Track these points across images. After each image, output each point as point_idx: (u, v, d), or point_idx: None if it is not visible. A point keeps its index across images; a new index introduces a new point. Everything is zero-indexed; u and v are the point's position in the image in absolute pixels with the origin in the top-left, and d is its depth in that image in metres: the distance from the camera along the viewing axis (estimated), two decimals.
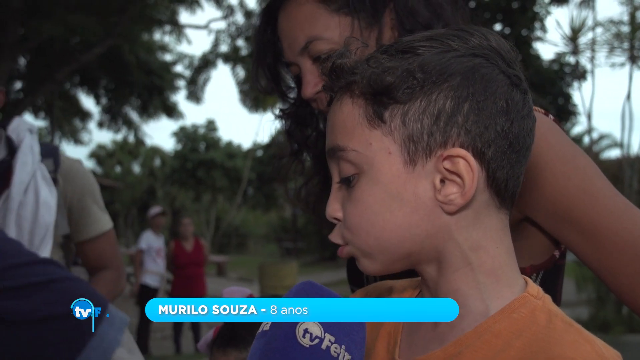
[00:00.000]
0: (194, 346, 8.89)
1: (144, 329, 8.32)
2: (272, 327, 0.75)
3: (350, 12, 1.14)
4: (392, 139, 0.77)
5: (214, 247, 25.85)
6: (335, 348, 0.73)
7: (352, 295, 0.97)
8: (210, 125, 34.88)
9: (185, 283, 8.51)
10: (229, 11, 15.57)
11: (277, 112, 1.36)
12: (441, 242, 0.78)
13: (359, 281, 1.26)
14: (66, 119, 18.40)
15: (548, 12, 12.91)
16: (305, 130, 1.34)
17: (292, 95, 1.33)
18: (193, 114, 52.23)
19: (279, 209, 33.10)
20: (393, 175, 0.77)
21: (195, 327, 8.93)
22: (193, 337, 8.92)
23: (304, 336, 0.73)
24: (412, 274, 0.84)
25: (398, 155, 0.76)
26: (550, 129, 1.02)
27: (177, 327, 8.74)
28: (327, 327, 0.74)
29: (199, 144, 34.04)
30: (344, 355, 0.74)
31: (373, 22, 1.15)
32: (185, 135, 33.85)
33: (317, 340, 0.73)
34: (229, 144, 34.87)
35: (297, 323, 0.73)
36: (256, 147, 34.19)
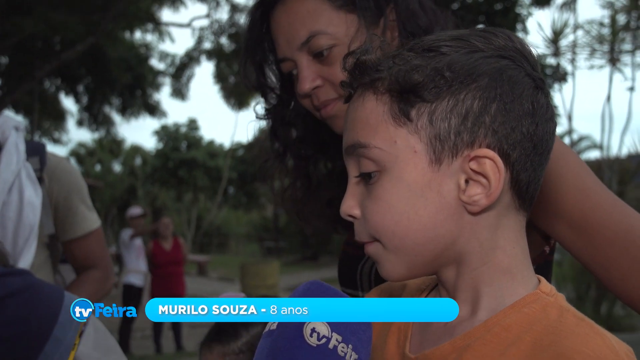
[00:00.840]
0: (175, 346, 8.86)
1: (125, 329, 8.28)
2: (279, 326, 0.75)
3: (354, 9, 1.15)
4: (418, 137, 0.76)
5: (195, 246, 25.74)
6: (343, 347, 0.73)
7: (367, 295, 0.97)
8: (192, 124, 34.72)
9: (164, 282, 8.50)
10: (215, 4, 15.50)
11: (261, 111, 1.35)
12: (462, 243, 0.78)
13: (350, 282, 1.26)
14: (46, 118, 18.22)
15: (530, 14, 13.02)
16: (289, 131, 1.34)
17: (275, 95, 1.32)
18: (175, 113, 52.01)
19: (261, 208, 33.04)
20: (418, 174, 0.76)
21: (176, 327, 8.89)
22: (173, 336, 8.88)
23: (311, 335, 0.73)
24: None
25: (424, 154, 0.76)
26: None
27: (157, 326, 8.71)
28: (334, 326, 0.74)
29: (181, 143, 33.86)
30: (351, 355, 0.74)
31: (376, 20, 1.16)
32: (166, 134, 33.67)
33: (324, 340, 0.73)
34: (211, 143, 34.74)
35: (304, 322, 0.73)
36: (237, 146, 34.10)
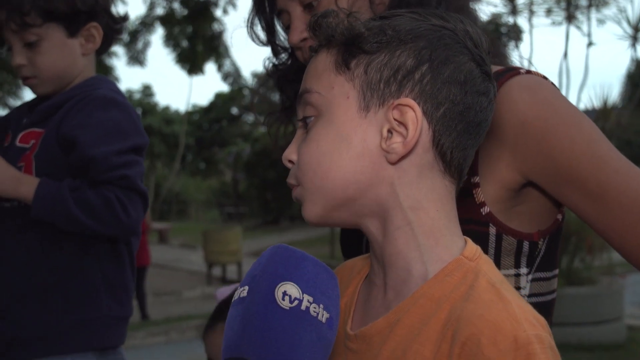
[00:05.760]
0: (140, 315, 8.81)
1: None
2: (249, 292, 0.75)
3: None
4: (353, 85, 0.82)
5: (155, 214, 25.48)
6: (314, 308, 0.75)
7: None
8: (147, 91, 34.15)
9: None
10: None
11: (269, 67, 1.33)
12: (383, 195, 0.81)
13: (356, 255, 1.22)
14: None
15: None
16: (296, 85, 1.31)
17: (281, 50, 1.31)
18: (127, 79, 50.98)
19: (219, 174, 32.84)
20: (347, 119, 0.81)
21: (140, 296, 8.85)
22: (138, 305, 8.84)
23: (283, 299, 0.74)
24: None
25: (355, 101, 0.82)
26: (553, 93, 1.02)
27: None
28: (304, 288, 0.75)
29: (135, 109, 33.28)
30: (323, 314, 0.75)
31: None
32: None
33: (296, 302, 0.74)
34: (166, 109, 34.24)
35: (275, 286, 0.74)
36: (193, 110, 33.66)
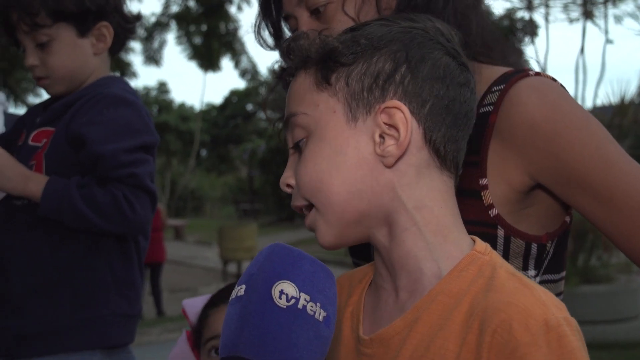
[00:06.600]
0: (155, 311, 8.86)
1: None
2: (246, 291, 0.76)
3: None
4: (337, 99, 0.83)
5: (171, 211, 25.60)
6: (311, 306, 0.75)
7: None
8: (162, 88, 34.30)
9: None
10: None
11: (277, 70, 1.30)
12: (387, 201, 0.82)
13: (362, 253, 1.21)
14: (15, 82, 17.79)
15: None
16: None
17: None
18: (144, 76, 51.25)
19: (235, 170, 32.92)
20: (337, 132, 0.83)
21: (156, 292, 8.89)
22: (154, 302, 8.88)
23: (280, 297, 0.74)
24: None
25: (342, 113, 0.83)
26: (562, 95, 1.01)
27: None
28: (301, 286, 0.75)
29: (151, 107, 33.45)
30: (320, 312, 0.75)
31: None
32: None
33: (293, 301, 0.74)
34: (182, 106, 34.37)
35: (272, 285, 0.74)
36: (209, 108, 33.77)
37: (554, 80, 1.04)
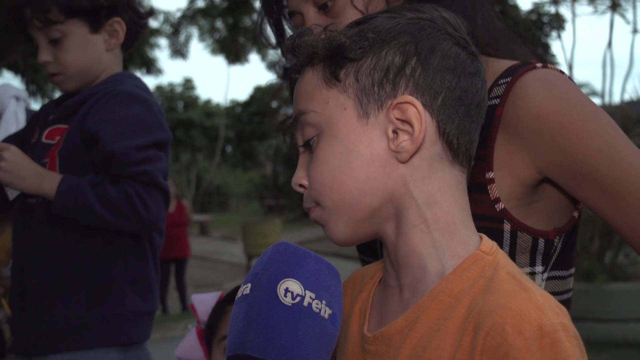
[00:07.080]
0: (180, 306, 8.92)
1: None
2: (252, 289, 0.76)
3: None
4: (347, 95, 0.82)
5: (196, 206, 25.80)
6: (317, 304, 0.75)
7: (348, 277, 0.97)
8: (188, 84, 34.48)
9: (169, 244, 8.46)
10: None
11: (280, 70, 1.31)
12: (399, 196, 0.81)
13: (369, 250, 1.21)
14: (44, 79, 18.04)
15: None
16: None
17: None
18: (169, 73, 51.59)
19: (260, 166, 33.02)
20: (349, 129, 0.81)
21: (181, 287, 8.94)
22: (179, 297, 8.94)
23: (285, 295, 0.74)
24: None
25: (353, 110, 0.81)
26: (569, 87, 1.00)
27: (163, 287, 8.75)
28: (306, 284, 0.75)
29: (177, 103, 33.65)
30: (325, 310, 0.75)
31: None
32: (162, 95, 33.42)
33: (298, 299, 0.74)
34: (207, 103, 34.54)
35: (277, 283, 0.74)
36: (233, 104, 33.89)
37: (562, 72, 1.03)
